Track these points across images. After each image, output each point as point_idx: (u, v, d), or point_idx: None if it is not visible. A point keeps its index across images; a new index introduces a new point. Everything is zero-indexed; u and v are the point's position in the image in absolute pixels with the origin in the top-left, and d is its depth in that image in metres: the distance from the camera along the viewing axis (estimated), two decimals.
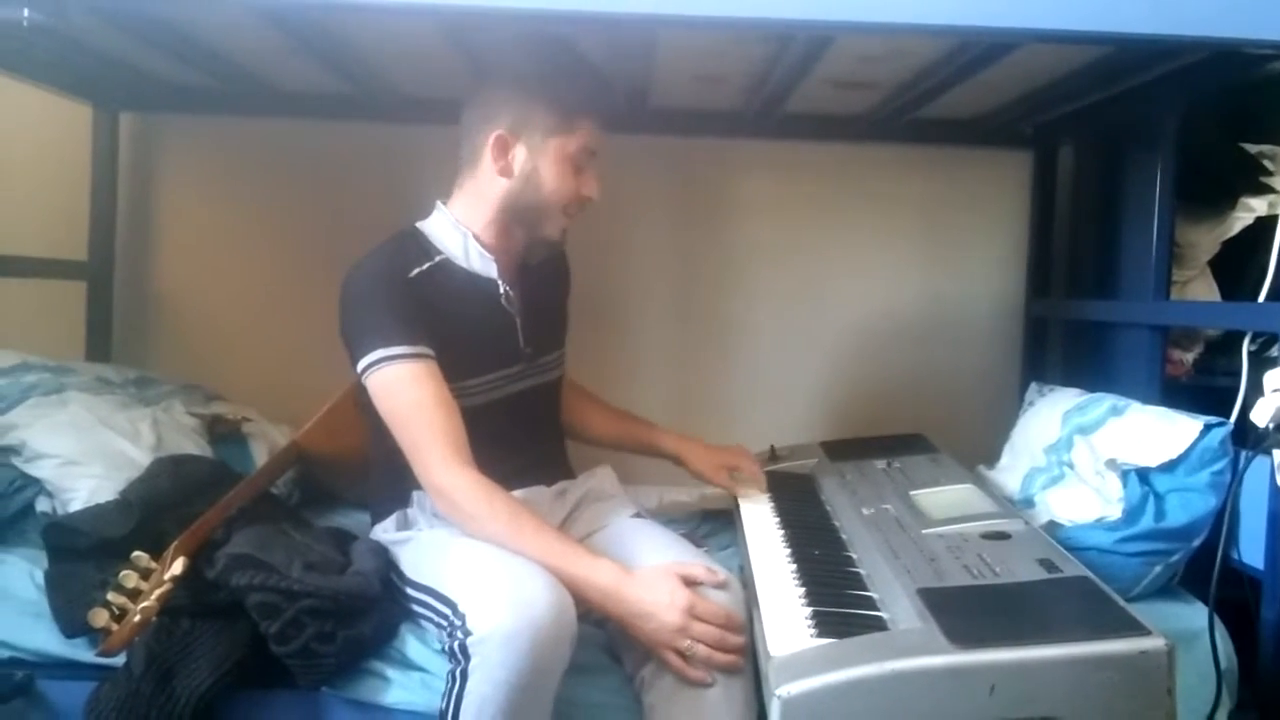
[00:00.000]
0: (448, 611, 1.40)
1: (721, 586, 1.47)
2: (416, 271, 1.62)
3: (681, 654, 1.39)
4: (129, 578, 1.45)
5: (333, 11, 1.74)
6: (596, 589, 1.42)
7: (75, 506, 1.73)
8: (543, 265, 1.79)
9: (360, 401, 2.01)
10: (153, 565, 1.49)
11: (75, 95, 2.36)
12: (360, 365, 1.56)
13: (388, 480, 1.68)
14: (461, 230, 1.67)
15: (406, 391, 1.54)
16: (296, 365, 2.47)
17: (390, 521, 1.68)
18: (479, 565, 1.43)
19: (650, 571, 1.45)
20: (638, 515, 1.77)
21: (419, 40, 1.90)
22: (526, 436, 1.75)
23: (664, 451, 1.94)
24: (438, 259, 1.65)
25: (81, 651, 1.51)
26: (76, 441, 1.80)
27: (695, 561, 1.51)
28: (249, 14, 1.76)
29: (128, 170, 2.51)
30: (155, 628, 1.46)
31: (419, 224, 1.71)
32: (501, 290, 1.68)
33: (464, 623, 1.34)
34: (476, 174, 1.67)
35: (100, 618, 1.41)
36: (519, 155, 1.64)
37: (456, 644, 1.34)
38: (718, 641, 1.39)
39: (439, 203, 1.72)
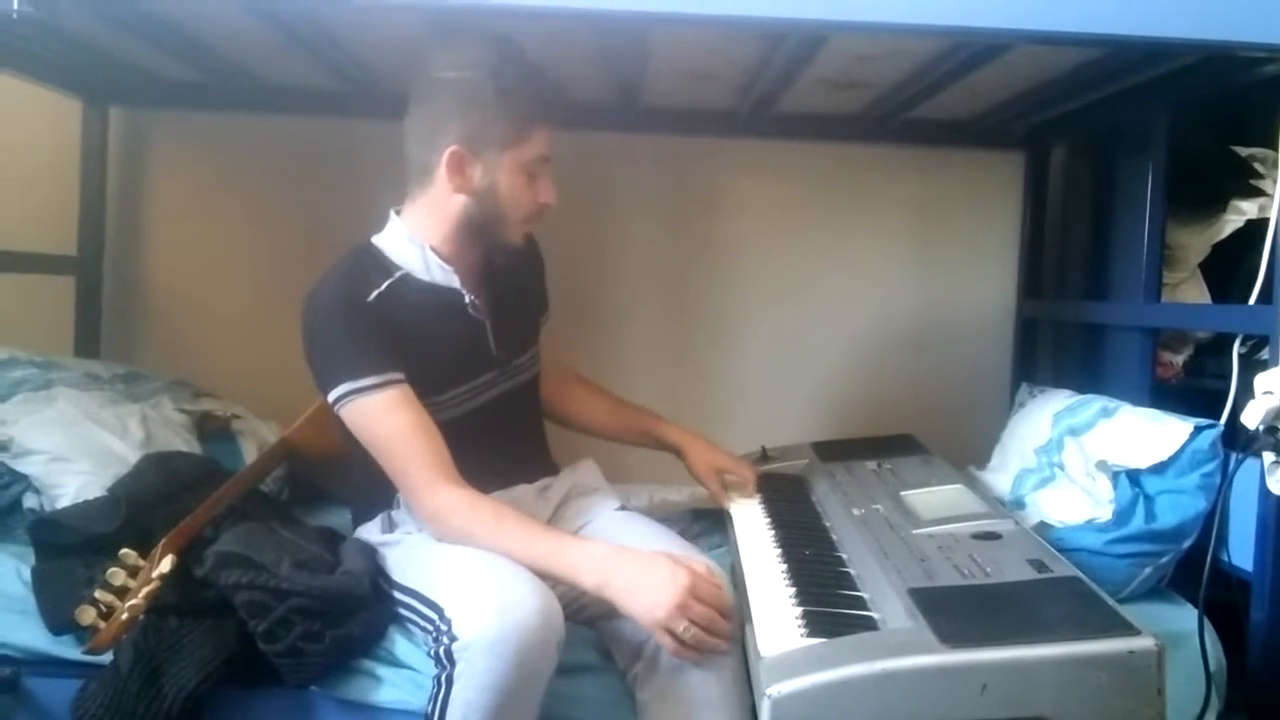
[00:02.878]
0: (434, 616, 1.39)
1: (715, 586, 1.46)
2: (375, 294, 1.56)
3: (674, 633, 1.36)
4: (117, 575, 1.45)
5: (324, 6, 1.73)
6: (590, 568, 1.40)
7: (63, 503, 1.72)
8: (510, 264, 1.74)
9: None
10: (141, 562, 1.48)
11: (65, 89, 2.35)
12: (330, 397, 1.53)
13: (370, 482, 1.64)
14: (418, 243, 1.62)
15: (381, 422, 1.52)
16: (286, 362, 2.44)
17: (375, 524, 1.67)
18: (465, 569, 1.42)
19: (646, 551, 1.44)
20: (622, 508, 1.76)
21: (411, 36, 1.89)
22: (505, 440, 1.72)
23: (667, 443, 1.90)
24: (397, 275, 1.60)
25: (68, 649, 1.50)
26: (64, 438, 1.80)
27: (695, 559, 1.49)
28: (240, 9, 1.75)
29: (117, 165, 2.50)
30: (143, 625, 1.45)
31: (374, 239, 1.66)
32: (467, 300, 1.64)
33: (450, 628, 1.33)
34: (431, 189, 1.61)
35: (87, 615, 1.41)
36: (476, 172, 1.58)
37: (442, 649, 1.33)
38: (710, 624, 1.37)
39: (393, 213, 1.67)
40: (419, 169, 1.62)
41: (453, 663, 1.31)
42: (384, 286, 1.58)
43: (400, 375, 1.53)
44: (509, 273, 1.74)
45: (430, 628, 1.40)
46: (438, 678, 1.33)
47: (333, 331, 1.54)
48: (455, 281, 1.63)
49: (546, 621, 1.32)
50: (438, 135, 1.57)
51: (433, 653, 1.37)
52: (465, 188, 1.59)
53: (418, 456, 1.51)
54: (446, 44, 1.61)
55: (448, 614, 1.36)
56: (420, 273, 1.62)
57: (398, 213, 1.67)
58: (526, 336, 1.80)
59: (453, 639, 1.32)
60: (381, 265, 1.61)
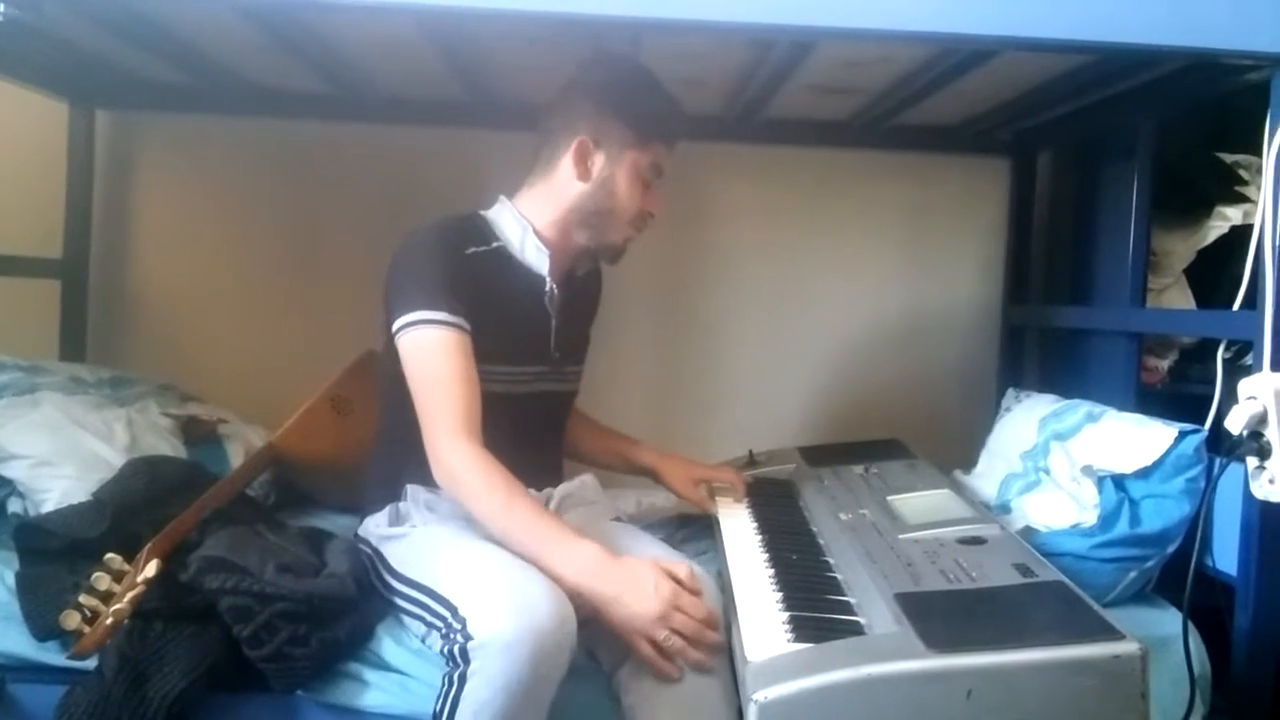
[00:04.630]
0: (446, 614, 1.39)
1: (697, 594, 1.47)
2: (473, 250, 1.66)
3: (655, 644, 1.38)
4: (101, 580, 1.44)
5: (312, 10, 1.73)
6: (577, 569, 1.42)
7: (48, 508, 1.71)
8: (584, 281, 1.84)
9: (337, 400, 2.02)
10: (125, 567, 1.47)
11: (51, 91, 2.34)
12: (398, 323, 1.58)
13: (383, 473, 1.69)
14: (523, 223, 1.72)
15: (436, 357, 1.56)
16: (273, 367, 2.47)
17: (383, 516, 1.67)
18: (479, 566, 1.43)
19: (635, 560, 1.46)
20: (617, 519, 1.78)
21: (399, 39, 1.89)
22: (533, 439, 1.75)
23: (641, 466, 1.95)
24: (495, 245, 1.70)
25: (53, 654, 1.49)
26: (49, 442, 1.79)
27: (680, 562, 1.50)
28: (227, 10, 1.75)
29: (103, 168, 2.50)
30: (128, 631, 1.44)
31: (482, 211, 1.76)
32: (548, 287, 1.72)
33: (465, 626, 1.33)
34: (552, 176, 1.72)
35: (72, 620, 1.40)
36: (598, 162, 1.70)
37: (455, 647, 1.33)
38: (695, 634, 1.39)
39: (502, 197, 1.77)
40: (546, 158, 1.74)
41: (466, 661, 1.31)
42: (481, 249, 1.68)
43: (469, 326, 1.59)
44: (582, 292, 1.86)
45: (441, 625, 1.40)
46: (449, 675, 1.33)
47: (425, 263, 1.61)
48: (545, 267, 1.72)
49: (562, 625, 1.32)
50: (568, 130, 1.70)
51: (444, 650, 1.36)
52: (586, 176, 1.71)
53: (455, 403, 1.53)
54: (590, 58, 1.77)
55: (462, 612, 1.36)
56: (516, 250, 1.72)
57: (507, 198, 1.77)
58: (578, 352, 1.87)
59: (468, 638, 1.32)
60: (484, 232, 1.72)
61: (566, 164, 1.70)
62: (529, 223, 1.72)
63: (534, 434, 1.76)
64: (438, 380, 1.55)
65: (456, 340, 1.57)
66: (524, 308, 1.71)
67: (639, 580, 1.41)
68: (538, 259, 1.72)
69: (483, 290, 1.63)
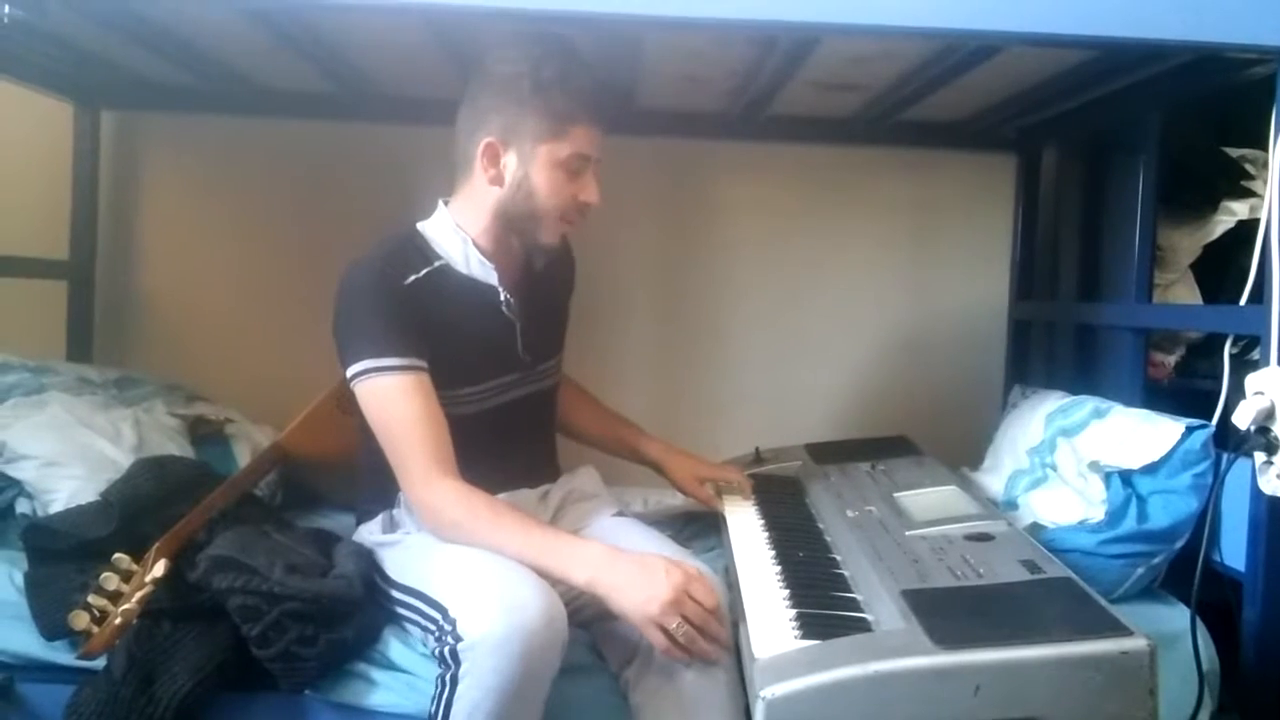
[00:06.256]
0: (437, 616, 1.39)
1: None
2: (413, 278, 1.58)
3: (666, 631, 1.36)
4: (110, 580, 1.44)
5: (316, 10, 1.73)
6: (583, 564, 1.40)
7: (56, 508, 1.72)
8: (548, 269, 1.76)
9: (343, 399, 2.02)
10: (134, 567, 1.48)
11: (56, 93, 2.34)
12: (349, 372, 1.54)
13: (374, 481, 1.67)
14: (461, 235, 1.64)
15: (393, 404, 1.52)
16: (279, 366, 2.47)
17: (376, 523, 1.67)
18: (469, 569, 1.42)
19: (643, 553, 1.44)
20: (619, 514, 1.77)
21: (405, 39, 1.89)
22: (518, 443, 1.74)
23: (647, 458, 1.93)
24: (437, 264, 1.62)
25: (61, 654, 1.49)
26: (57, 442, 1.79)
27: (687, 560, 1.49)
28: (232, 11, 1.75)
29: (109, 168, 2.50)
30: (136, 630, 1.44)
31: (420, 225, 1.68)
32: (502, 298, 1.66)
33: (454, 627, 1.33)
34: (470, 180, 1.64)
35: (80, 620, 1.40)
36: (510, 163, 1.60)
37: (446, 649, 1.33)
38: (703, 623, 1.37)
39: (441, 202, 1.69)
40: (463, 161, 1.65)
41: (457, 662, 1.31)
42: (423, 273, 1.60)
43: (423, 363, 1.54)
44: (548, 279, 1.78)
45: (433, 627, 1.39)
46: (441, 677, 1.33)
47: (365, 307, 1.55)
48: (494, 278, 1.65)
49: (551, 623, 1.32)
50: (478, 127, 1.61)
51: (436, 652, 1.36)
52: (499, 179, 1.61)
53: (422, 445, 1.50)
54: (504, 43, 1.63)
55: (452, 614, 1.35)
56: (460, 265, 1.65)
57: (445, 203, 1.69)
58: (553, 344, 1.81)
59: (457, 639, 1.32)
60: (423, 253, 1.63)
61: (479, 168, 1.61)
62: (466, 234, 1.64)
63: (518, 439, 1.74)
64: (400, 428, 1.52)
65: (412, 383, 1.52)
66: (481, 323, 1.65)
67: (650, 567, 1.38)
68: (484, 272, 1.65)
69: (431, 317, 1.57)
